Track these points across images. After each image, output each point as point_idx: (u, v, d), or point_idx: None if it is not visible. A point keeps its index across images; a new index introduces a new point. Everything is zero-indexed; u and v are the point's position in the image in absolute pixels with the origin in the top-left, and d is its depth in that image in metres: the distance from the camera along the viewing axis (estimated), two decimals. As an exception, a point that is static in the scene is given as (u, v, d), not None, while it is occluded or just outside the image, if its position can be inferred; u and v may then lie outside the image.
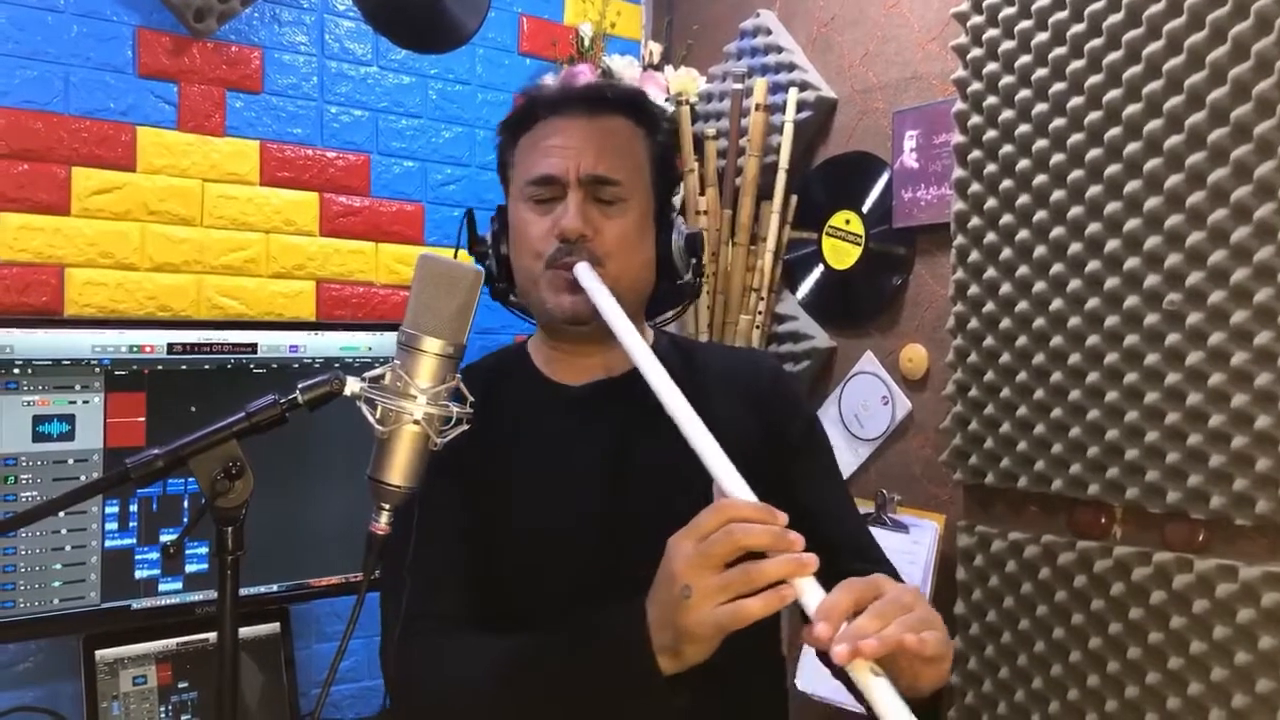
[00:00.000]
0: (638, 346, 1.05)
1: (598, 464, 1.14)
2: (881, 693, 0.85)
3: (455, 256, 0.97)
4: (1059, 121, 1.69)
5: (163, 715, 1.75)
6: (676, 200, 1.99)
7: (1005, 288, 1.77)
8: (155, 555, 1.75)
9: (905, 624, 0.88)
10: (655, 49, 2.45)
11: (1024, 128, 1.75)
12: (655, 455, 1.06)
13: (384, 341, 1.99)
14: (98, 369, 1.70)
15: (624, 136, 1.22)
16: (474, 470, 1.20)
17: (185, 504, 1.78)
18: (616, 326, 1.08)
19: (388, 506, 0.95)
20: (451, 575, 1.20)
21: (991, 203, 1.80)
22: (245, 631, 1.84)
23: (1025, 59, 1.74)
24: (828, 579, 1.20)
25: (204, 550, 1.79)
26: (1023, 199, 1.75)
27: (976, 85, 1.82)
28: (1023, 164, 1.75)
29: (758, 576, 0.89)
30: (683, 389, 1.13)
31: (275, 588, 1.86)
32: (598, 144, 1.18)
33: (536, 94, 1.26)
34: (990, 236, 1.80)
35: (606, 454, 1.00)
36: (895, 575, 1.19)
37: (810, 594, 0.89)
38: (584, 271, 1.13)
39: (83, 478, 1.69)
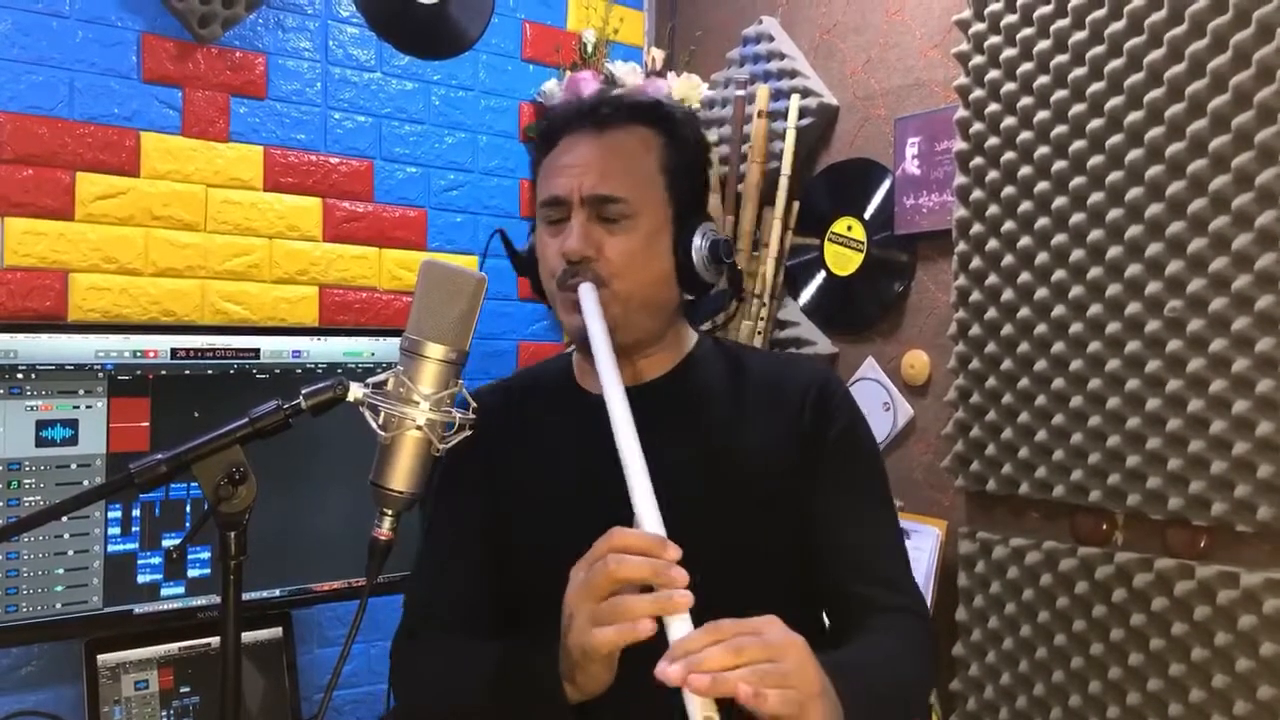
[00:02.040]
0: (610, 376, 1.05)
1: (603, 471, 1.12)
2: None
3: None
4: (1060, 128, 1.69)
5: (164, 719, 1.76)
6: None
7: (1007, 294, 1.77)
8: (158, 560, 1.75)
9: (756, 673, 0.85)
10: (658, 55, 2.45)
11: (1026, 134, 1.75)
12: (659, 465, 1.05)
13: (387, 347, 1.99)
14: (101, 374, 1.71)
15: (633, 149, 1.19)
16: (491, 471, 1.24)
17: (188, 509, 1.78)
18: (598, 354, 1.08)
19: (390, 512, 0.95)
20: (457, 576, 1.24)
21: (993, 209, 1.80)
22: (247, 636, 1.84)
23: (1027, 66, 1.75)
24: (823, 592, 1.19)
25: (206, 555, 1.79)
26: (1024, 206, 1.75)
27: (978, 92, 1.83)
28: (1024, 171, 1.75)
29: (625, 611, 0.90)
30: (726, 394, 1.21)
31: (278, 592, 1.86)
32: (602, 160, 1.17)
33: (551, 113, 1.26)
34: (992, 243, 1.80)
35: (614, 460, 1.00)
36: (905, 601, 1.16)
37: (676, 630, 0.89)
38: (584, 293, 1.13)
39: (86, 482, 1.69)
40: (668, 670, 0.85)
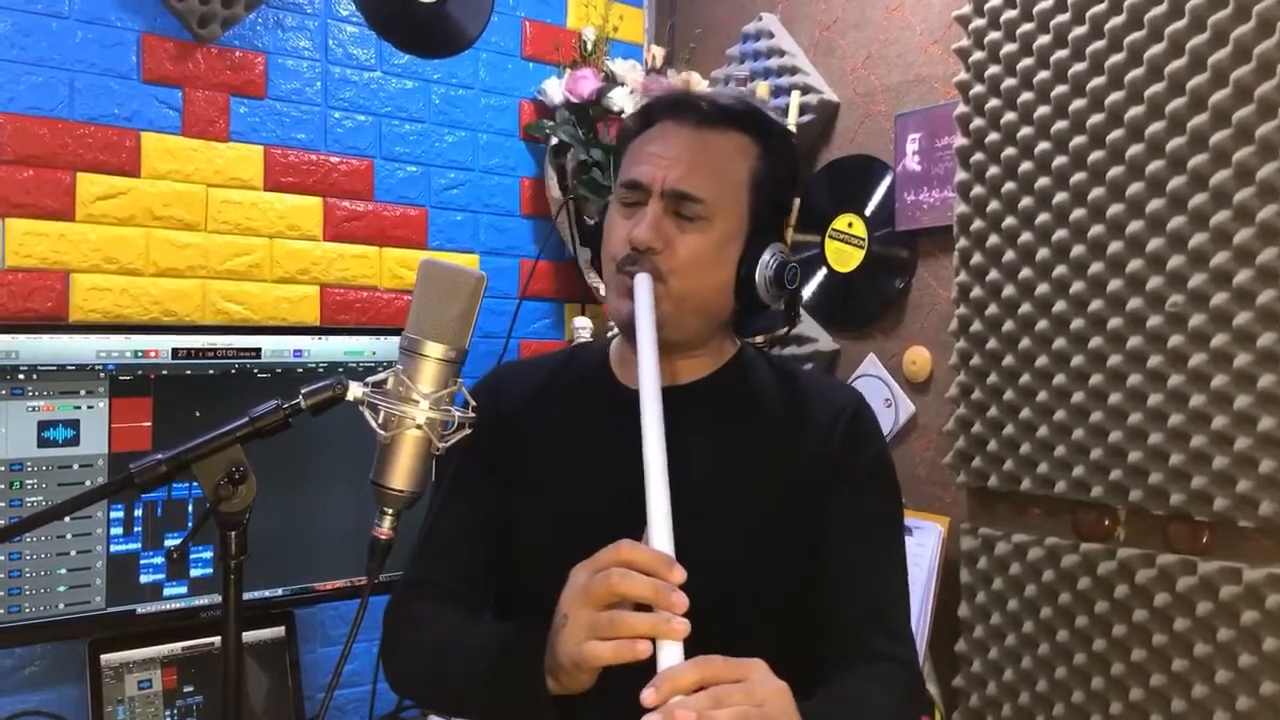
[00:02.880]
0: (649, 373, 1.05)
1: (625, 467, 1.07)
2: None
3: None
4: (1061, 124, 1.69)
5: (168, 719, 1.76)
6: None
7: (1008, 290, 1.77)
8: (160, 560, 1.75)
9: (738, 716, 0.85)
10: (658, 53, 2.45)
11: (1026, 130, 1.75)
12: (683, 468, 1.05)
13: (388, 346, 1.99)
14: (103, 374, 1.71)
15: (726, 152, 1.18)
16: (508, 450, 1.23)
17: (190, 508, 1.78)
18: (641, 349, 1.07)
19: (390, 511, 0.96)
20: (460, 546, 1.23)
21: (994, 205, 1.80)
22: (250, 635, 1.84)
23: (1027, 61, 1.74)
24: (821, 620, 1.17)
25: (209, 554, 1.80)
26: (1025, 201, 1.75)
27: (978, 88, 1.82)
28: (1025, 166, 1.75)
29: (622, 626, 0.90)
30: (759, 405, 1.21)
31: (280, 592, 1.86)
32: (692, 157, 1.15)
33: (655, 97, 1.26)
34: (993, 239, 1.80)
35: (637, 459, 0.99)
36: (901, 653, 1.15)
37: (666, 656, 0.88)
38: (640, 283, 1.12)
39: (88, 483, 1.69)
40: (651, 701, 0.85)
